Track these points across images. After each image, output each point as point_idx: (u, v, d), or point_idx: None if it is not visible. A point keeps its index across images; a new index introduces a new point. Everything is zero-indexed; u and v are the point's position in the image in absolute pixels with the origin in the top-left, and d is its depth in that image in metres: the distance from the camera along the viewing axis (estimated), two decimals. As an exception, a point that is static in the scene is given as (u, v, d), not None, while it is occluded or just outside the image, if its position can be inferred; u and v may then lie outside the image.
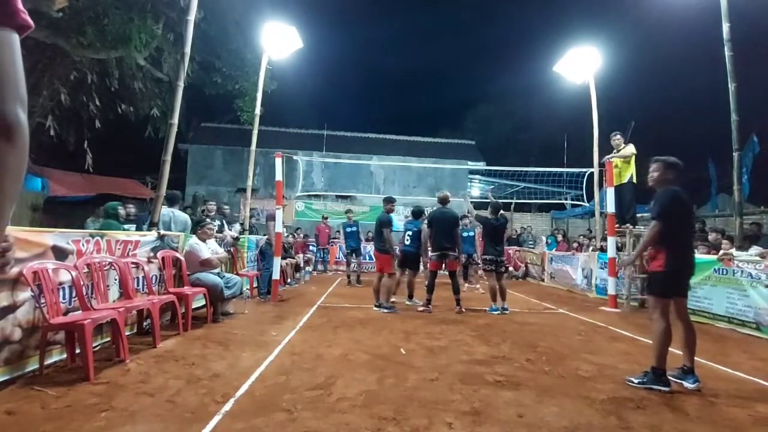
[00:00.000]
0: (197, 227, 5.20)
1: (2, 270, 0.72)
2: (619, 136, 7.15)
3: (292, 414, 2.31)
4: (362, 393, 2.65)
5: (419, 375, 3.05)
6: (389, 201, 6.37)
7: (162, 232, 4.69)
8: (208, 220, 5.52)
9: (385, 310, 5.75)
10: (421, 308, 5.92)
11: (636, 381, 2.94)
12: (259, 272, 7.02)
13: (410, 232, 6.45)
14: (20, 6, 0.64)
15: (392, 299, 6.04)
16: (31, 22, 0.66)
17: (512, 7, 40.38)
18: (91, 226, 7.83)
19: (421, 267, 6.75)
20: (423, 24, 50.19)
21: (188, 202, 14.42)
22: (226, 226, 6.94)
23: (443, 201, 6.21)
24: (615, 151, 7.05)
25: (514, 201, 15.26)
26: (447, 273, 6.12)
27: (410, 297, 6.59)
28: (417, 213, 6.67)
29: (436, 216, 6.14)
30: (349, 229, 9.27)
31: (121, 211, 5.33)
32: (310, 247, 12.14)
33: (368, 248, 11.11)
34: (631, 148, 6.83)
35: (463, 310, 5.84)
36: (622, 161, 6.90)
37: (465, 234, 8.17)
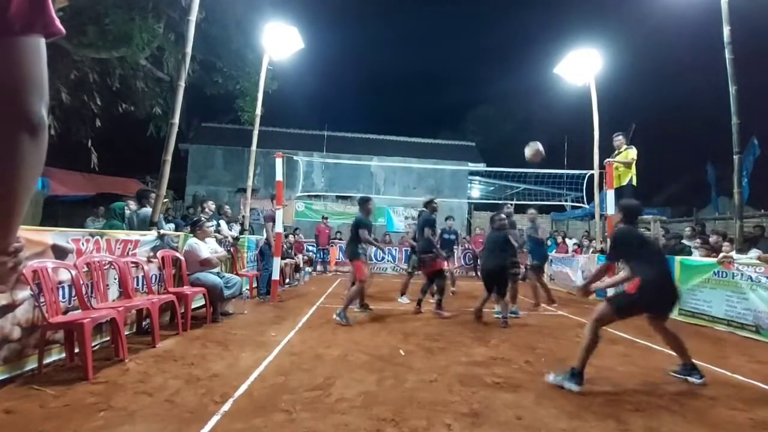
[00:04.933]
0: (194, 227, 5.20)
1: (15, 270, 0.73)
2: (620, 137, 7.15)
3: (291, 414, 2.31)
4: (361, 394, 2.65)
5: (418, 376, 3.05)
6: (366, 201, 5.65)
7: (162, 231, 4.69)
8: (204, 218, 5.50)
9: (342, 320, 4.85)
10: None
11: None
12: (259, 272, 7.02)
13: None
14: (53, 13, 0.66)
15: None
16: (62, 29, 0.67)
17: (513, 9, 40.42)
18: (91, 225, 7.83)
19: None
20: (424, 25, 50.16)
21: (189, 202, 14.44)
22: (225, 227, 6.92)
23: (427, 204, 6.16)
24: (616, 151, 7.06)
25: (514, 202, 15.28)
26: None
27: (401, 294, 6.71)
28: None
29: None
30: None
31: (127, 212, 5.32)
32: (307, 248, 12.13)
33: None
34: (632, 153, 6.83)
35: (445, 314, 5.42)
36: (623, 166, 6.91)
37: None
